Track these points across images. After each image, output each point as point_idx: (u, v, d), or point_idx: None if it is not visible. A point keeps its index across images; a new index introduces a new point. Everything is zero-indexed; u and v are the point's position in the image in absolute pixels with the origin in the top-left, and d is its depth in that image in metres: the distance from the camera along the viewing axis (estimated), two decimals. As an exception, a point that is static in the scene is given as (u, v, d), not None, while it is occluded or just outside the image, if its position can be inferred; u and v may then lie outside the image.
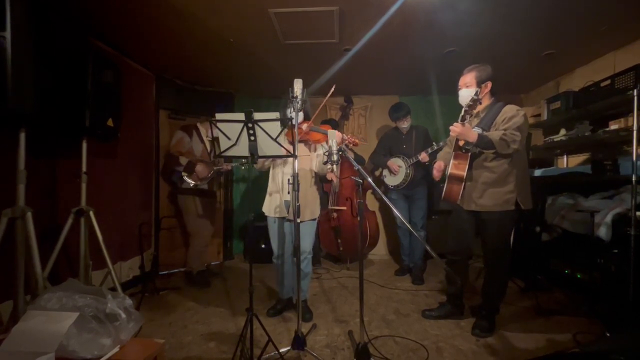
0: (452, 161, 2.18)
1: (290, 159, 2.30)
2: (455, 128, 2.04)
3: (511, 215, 2.14)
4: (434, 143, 3.17)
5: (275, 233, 2.41)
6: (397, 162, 3.39)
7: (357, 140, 2.22)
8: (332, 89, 2.15)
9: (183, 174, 3.16)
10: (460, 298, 2.42)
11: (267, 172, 2.47)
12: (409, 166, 3.30)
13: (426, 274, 3.45)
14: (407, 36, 2.67)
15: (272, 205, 2.38)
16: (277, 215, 2.36)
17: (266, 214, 2.42)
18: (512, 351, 2.00)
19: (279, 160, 2.37)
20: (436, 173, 2.38)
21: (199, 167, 3.14)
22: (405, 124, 3.39)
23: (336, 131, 2.02)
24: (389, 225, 4.39)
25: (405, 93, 4.31)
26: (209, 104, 3.96)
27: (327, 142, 2.24)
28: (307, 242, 2.35)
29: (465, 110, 2.03)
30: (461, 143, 2.13)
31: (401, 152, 3.41)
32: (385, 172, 3.51)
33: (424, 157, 3.19)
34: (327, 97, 2.17)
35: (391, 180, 3.44)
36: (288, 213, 2.30)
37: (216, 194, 3.64)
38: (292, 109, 2.26)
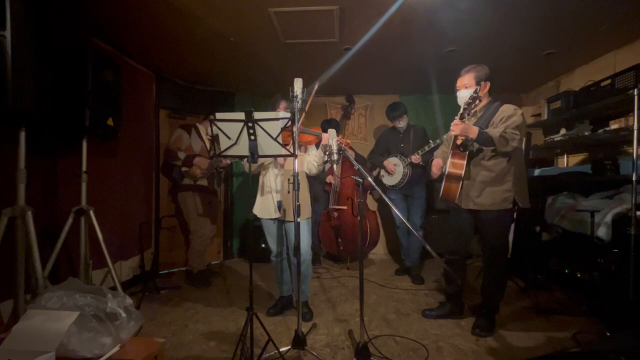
0: (449, 160, 2.17)
1: (281, 160, 2.34)
2: (456, 126, 2.03)
3: (509, 213, 2.15)
4: (430, 141, 3.17)
5: (273, 233, 2.41)
6: (393, 162, 3.39)
7: (348, 141, 2.23)
8: (315, 89, 2.17)
9: (183, 168, 3.19)
10: (459, 297, 2.42)
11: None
12: (406, 165, 3.30)
13: (426, 273, 3.46)
14: (407, 35, 2.67)
15: (265, 207, 2.37)
16: (271, 217, 2.36)
17: (259, 215, 2.41)
18: (512, 350, 2.01)
19: (268, 161, 2.37)
20: (435, 170, 2.37)
21: (198, 159, 3.19)
22: (401, 123, 3.39)
23: (329, 131, 2.02)
24: (388, 225, 4.38)
25: (405, 92, 4.30)
26: (209, 103, 3.96)
27: (317, 145, 2.28)
28: (304, 242, 2.33)
29: (464, 108, 2.03)
30: (459, 141, 2.13)
31: (399, 151, 3.41)
32: (383, 171, 3.51)
33: (415, 159, 3.21)
34: (310, 98, 2.20)
35: (389, 180, 3.44)
36: (281, 214, 2.30)
37: (217, 192, 3.64)
38: (280, 107, 2.32)
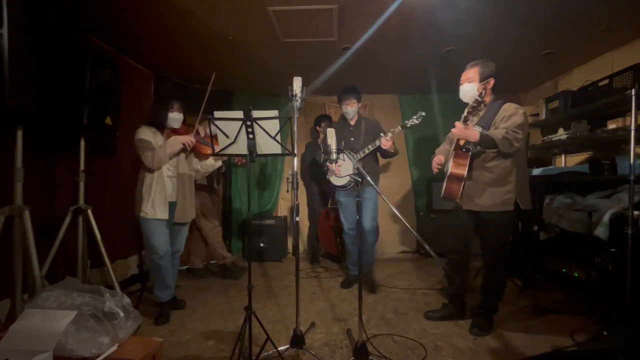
0: (452, 160, 2.15)
1: (179, 161, 2.44)
2: (458, 129, 2.01)
3: (510, 215, 2.13)
4: (393, 129, 2.74)
5: (162, 234, 2.35)
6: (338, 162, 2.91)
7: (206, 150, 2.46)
8: (213, 78, 2.30)
9: None
10: (462, 297, 2.40)
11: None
12: (356, 163, 2.86)
13: (425, 273, 3.47)
14: (406, 35, 2.67)
15: (157, 207, 2.30)
16: (164, 218, 2.33)
17: (150, 216, 2.28)
18: (510, 350, 2.01)
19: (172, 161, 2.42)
20: (435, 165, 2.34)
21: None
22: (350, 108, 2.88)
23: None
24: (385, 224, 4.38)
25: (404, 92, 4.30)
26: (208, 102, 3.94)
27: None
28: (183, 242, 2.60)
29: (468, 112, 1.99)
30: (462, 142, 2.12)
31: (348, 146, 2.88)
32: (329, 171, 2.99)
33: (385, 143, 2.66)
34: (209, 88, 2.44)
35: (337, 180, 2.94)
36: (176, 216, 2.41)
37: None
38: (174, 108, 2.45)
